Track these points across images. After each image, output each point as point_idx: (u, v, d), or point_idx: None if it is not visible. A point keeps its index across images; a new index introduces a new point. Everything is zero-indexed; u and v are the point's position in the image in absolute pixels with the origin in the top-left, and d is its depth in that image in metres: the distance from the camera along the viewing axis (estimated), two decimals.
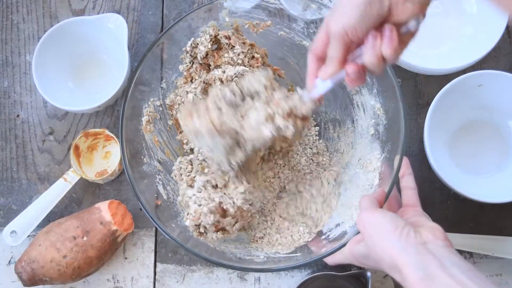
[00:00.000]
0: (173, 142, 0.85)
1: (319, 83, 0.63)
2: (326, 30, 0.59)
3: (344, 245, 0.69)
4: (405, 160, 0.72)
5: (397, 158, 0.72)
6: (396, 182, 0.72)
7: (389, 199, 0.70)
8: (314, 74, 0.63)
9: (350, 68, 0.59)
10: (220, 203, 0.73)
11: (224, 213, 0.73)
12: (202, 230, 0.74)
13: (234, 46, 0.80)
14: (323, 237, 0.78)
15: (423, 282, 0.52)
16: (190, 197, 0.74)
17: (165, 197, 0.80)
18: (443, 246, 0.56)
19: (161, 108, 0.84)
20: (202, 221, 0.73)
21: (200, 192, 0.74)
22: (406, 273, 0.54)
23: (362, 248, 0.64)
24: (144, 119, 0.81)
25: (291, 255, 0.77)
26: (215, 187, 0.75)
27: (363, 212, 0.63)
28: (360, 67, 0.58)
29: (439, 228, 0.59)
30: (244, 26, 0.84)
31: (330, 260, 0.72)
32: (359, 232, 0.65)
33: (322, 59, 0.62)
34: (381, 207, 0.66)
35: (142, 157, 0.80)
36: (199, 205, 0.73)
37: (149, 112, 0.81)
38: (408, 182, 0.70)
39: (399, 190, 0.72)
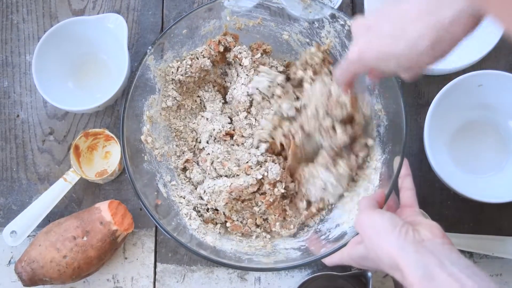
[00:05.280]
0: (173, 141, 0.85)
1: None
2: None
3: (343, 245, 0.69)
4: (404, 162, 0.72)
5: (397, 159, 0.72)
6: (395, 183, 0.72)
7: (387, 201, 0.70)
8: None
9: None
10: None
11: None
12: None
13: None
14: (323, 237, 0.78)
15: (423, 281, 0.52)
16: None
17: (165, 195, 0.80)
18: (441, 244, 0.56)
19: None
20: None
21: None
22: (406, 273, 0.54)
23: (361, 249, 0.64)
24: (146, 115, 0.81)
25: (291, 252, 0.77)
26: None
27: (361, 213, 0.63)
28: None
29: (437, 226, 0.59)
30: (248, 25, 0.85)
31: (328, 261, 0.72)
32: (358, 233, 0.65)
33: None
34: (380, 208, 0.66)
35: (143, 155, 0.80)
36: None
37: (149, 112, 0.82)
38: (406, 183, 0.70)
39: (397, 191, 0.72)
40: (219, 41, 0.84)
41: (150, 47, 0.79)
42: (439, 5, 0.52)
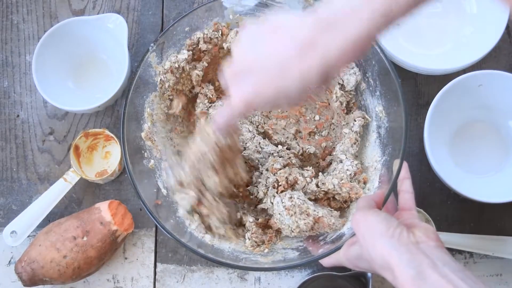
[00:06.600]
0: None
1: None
2: None
3: (341, 246, 0.69)
4: (404, 164, 0.72)
5: (396, 161, 0.72)
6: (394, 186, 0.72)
7: (385, 203, 0.70)
8: None
9: None
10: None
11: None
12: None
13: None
14: (321, 237, 0.78)
15: (415, 281, 0.52)
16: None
17: (165, 194, 0.80)
18: (435, 247, 0.56)
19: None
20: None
21: None
22: (398, 272, 0.54)
23: (356, 249, 0.64)
24: (147, 112, 0.81)
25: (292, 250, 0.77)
26: None
27: (357, 212, 0.63)
28: None
29: (431, 229, 0.59)
30: None
31: (326, 262, 0.72)
32: (355, 234, 0.65)
33: None
34: (379, 209, 0.66)
35: (143, 151, 0.80)
36: None
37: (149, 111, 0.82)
38: (405, 186, 0.70)
39: (396, 194, 0.72)
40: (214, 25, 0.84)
41: (152, 44, 0.79)
42: (324, 39, 0.50)
